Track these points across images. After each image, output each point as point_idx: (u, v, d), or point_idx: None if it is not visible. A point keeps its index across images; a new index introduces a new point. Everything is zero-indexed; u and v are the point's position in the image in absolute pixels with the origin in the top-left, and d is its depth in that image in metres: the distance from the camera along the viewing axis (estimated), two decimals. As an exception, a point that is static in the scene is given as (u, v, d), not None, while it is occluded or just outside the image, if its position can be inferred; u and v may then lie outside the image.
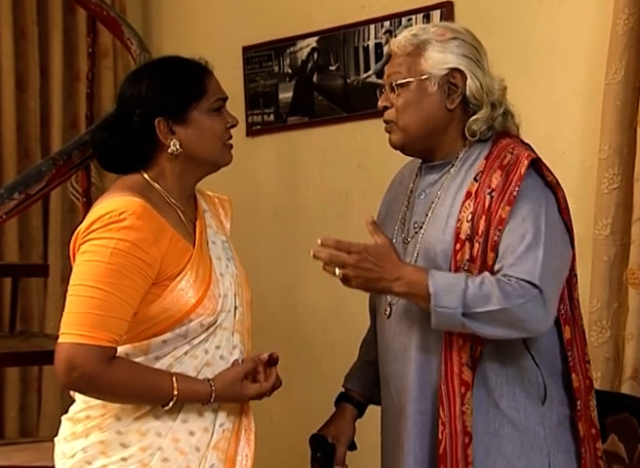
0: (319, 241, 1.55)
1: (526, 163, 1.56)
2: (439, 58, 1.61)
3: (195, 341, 1.54)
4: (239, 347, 1.60)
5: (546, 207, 1.57)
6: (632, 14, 2.31)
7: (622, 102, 2.33)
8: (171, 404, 1.50)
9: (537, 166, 1.59)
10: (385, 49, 1.70)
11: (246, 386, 1.56)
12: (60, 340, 1.48)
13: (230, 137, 1.63)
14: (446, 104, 1.62)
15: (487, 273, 1.54)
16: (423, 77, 1.61)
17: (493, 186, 1.56)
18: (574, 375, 1.61)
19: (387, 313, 1.67)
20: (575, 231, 1.69)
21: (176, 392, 1.49)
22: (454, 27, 1.67)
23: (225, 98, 1.63)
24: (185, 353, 1.54)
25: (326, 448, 1.73)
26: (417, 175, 1.71)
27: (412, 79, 1.62)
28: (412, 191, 1.70)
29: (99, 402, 1.54)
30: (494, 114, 1.63)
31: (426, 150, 1.66)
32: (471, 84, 1.61)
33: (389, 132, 1.66)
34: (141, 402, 1.52)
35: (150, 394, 1.51)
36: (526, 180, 1.56)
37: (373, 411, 1.81)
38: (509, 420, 1.58)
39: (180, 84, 1.59)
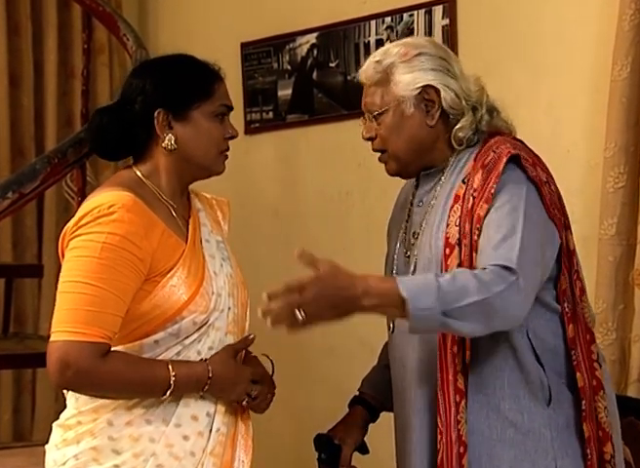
0: (265, 296, 1.39)
1: (504, 160, 1.53)
2: (408, 80, 1.59)
3: (187, 341, 1.52)
4: None
5: (526, 199, 1.52)
6: (639, 9, 2.29)
7: (628, 100, 2.31)
8: (168, 392, 1.48)
9: (518, 161, 1.55)
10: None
11: (241, 365, 1.55)
12: (52, 339, 1.46)
13: (227, 149, 1.61)
14: (427, 122, 1.61)
15: (456, 268, 1.50)
16: (398, 102, 1.60)
17: (475, 186, 1.54)
18: (578, 375, 1.58)
19: (391, 328, 1.65)
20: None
21: (173, 377, 1.47)
22: (416, 43, 1.64)
23: (230, 107, 1.62)
24: (177, 354, 1.52)
25: (331, 449, 1.70)
26: (416, 185, 1.70)
27: (387, 107, 1.61)
28: (412, 202, 1.69)
29: (89, 407, 1.52)
30: (477, 117, 1.61)
31: (421, 169, 1.66)
32: (446, 96, 1.59)
33: (384, 162, 1.65)
34: (139, 394, 1.49)
35: (147, 384, 1.48)
36: (506, 174, 1.53)
37: (388, 417, 1.77)
38: (511, 423, 1.55)
39: (188, 80, 1.58)
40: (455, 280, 1.44)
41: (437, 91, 1.59)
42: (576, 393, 1.59)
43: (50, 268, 3.12)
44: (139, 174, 1.58)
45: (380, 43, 2.79)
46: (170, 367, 1.48)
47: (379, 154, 1.68)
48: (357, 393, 1.79)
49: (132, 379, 1.47)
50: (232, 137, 1.61)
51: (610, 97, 2.33)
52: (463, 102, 1.60)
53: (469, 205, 1.53)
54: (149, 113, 1.55)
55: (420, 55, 1.60)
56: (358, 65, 2.87)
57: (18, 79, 3.22)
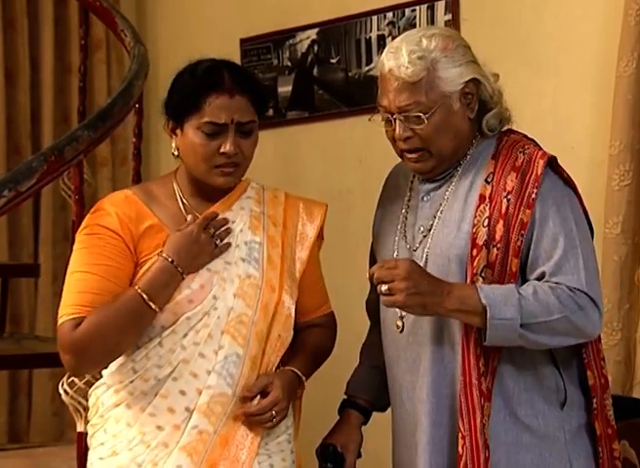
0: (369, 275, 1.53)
1: (542, 163, 1.52)
2: (454, 75, 1.54)
3: (165, 333, 1.54)
4: (229, 349, 1.54)
5: (571, 206, 1.55)
6: (645, 4, 2.27)
7: (634, 96, 2.29)
8: (151, 303, 1.50)
9: (553, 164, 1.56)
10: (385, 69, 1.55)
11: (190, 224, 1.54)
12: None
13: (226, 164, 1.56)
14: (468, 115, 1.58)
15: (535, 281, 1.52)
16: (444, 99, 1.54)
17: (509, 189, 1.53)
18: (589, 373, 1.58)
19: (400, 328, 1.61)
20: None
21: (138, 288, 1.50)
22: (449, 34, 1.60)
23: (222, 125, 1.54)
24: (160, 344, 1.54)
25: (336, 458, 1.67)
26: (414, 176, 1.65)
27: (435, 106, 1.54)
28: (410, 195, 1.65)
29: (92, 388, 1.60)
30: (502, 103, 1.59)
31: (451, 165, 1.61)
32: (487, 86, 1.57)
33: (418, 161, 1.58)
34: (131, 325, 1.51)
35: (125, 311, 1.50)
36: (545, 181, 1.53)
37: (386, 417, 1.74)
38: (527, 428, 1.54)
39: (180, 92, 1.58)
40: (536, 295, 1.48)
41: (476, 83, 1.56)
42: (585, 392, 1.59)
43: (46, 268, 3.10)
44: (175, 172, 1.64)
45: (381, 39, 2.78)
46: (136, 285, 1.52)
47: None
48: (345, 397, 1.75)
49: (109, 319, 1.49)
50: (224, 154, 1.55)
51: (615, 94, 2.31)
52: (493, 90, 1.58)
53: (503, 207, 1.52)
54: None
55: (458, 47, 1.56)
56: (359, 61, 2.86)
57: (14, 76, 3.20)
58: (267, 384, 1.56)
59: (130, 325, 1.51)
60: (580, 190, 1.62)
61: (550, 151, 1.61)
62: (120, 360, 1.55)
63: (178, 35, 3.21)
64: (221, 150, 1.55)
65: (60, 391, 1.85)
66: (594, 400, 1.57)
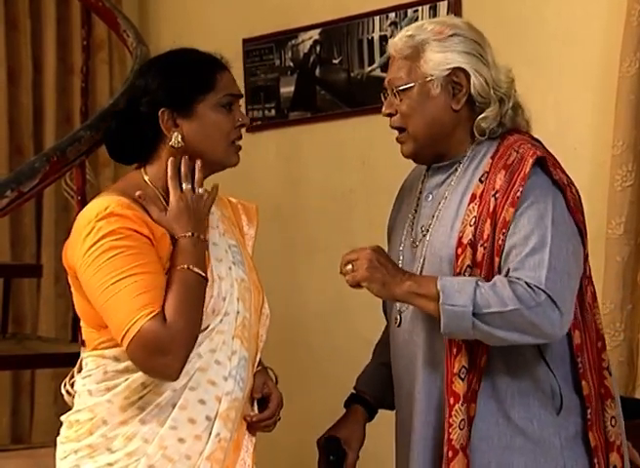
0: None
1: (530, 161, 1.50)
2: (439, 59, 1.55)
3: None
4: (240, 353, 1.54)
5: (553, 207, 1.50)
6: (648, 5, 2.27)
7: (637, 96, 2.30)
8: (202, 274, 1.47)
9: (543, 164, 1.53)
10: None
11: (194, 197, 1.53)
12: (125, 342, 1.42)
13: (239, 138, 1.58)
14: (451, 105, 1.56)
15: (499, 276, 1.50)
16: (425, 80, 1.56)
17: (497, 187, 1.51)
18: (583, 383, 1.55)
19: (397, 322, 1.62)
20: (587, 230, 1.62)
21: (185, 266, 1.46)
22: (453, 23, 1.60)
23: (238, 95, 1.59)
24: None
25: (338, 452, 1.67)
26: (424, 176, 1.66)
27: (413, 83, 1.56)
28: (420, 193, 1.65)
29: (87, 406, 1.52)
30: (502, 110, 1.57)
31: (436, 155, 1.61)
32: (475, 82, 1.55)
33: (401, 142, 1.61)
34: (199, 304, 1.46)
35: (191, 290, 1.45)
36: (531, 179, 1.50)
37: (387, 416, 1.74)
38: (521, 431, 1.53)
39: (187, 75, 1.56)
40: (494, 286, 1.46)
41: (467, 75, 1.55)
42: (583, 401, 1.56)
43: (49, 268, 3.10)
44: (145, 177, 1.56)
45: (383, 39, 2.77)
46: (177, 265, 1.46)
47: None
48: (353, 391, 1.75)
49: (184, 302, 1.44)
50: (243, 125, 1.58)
51: (617, 94, 2.31)
52: (492, 92, 1.56)
53: (490, 206, 1.50)
54: (154, 113, 1.54)
55: (454, 35, 1.56)
56: (362, 62, 2.86)
57: (16, 76, 3.20)
58: (263, 384, 1.58)
59: (199, 303, 1.46)
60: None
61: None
62: (124, 375, 1.49)
63: (180, 36, 3.20)
64: (239, 122, 1.56)
65: (63, 392, 1.84)
66: (588, 410, 1.54)
